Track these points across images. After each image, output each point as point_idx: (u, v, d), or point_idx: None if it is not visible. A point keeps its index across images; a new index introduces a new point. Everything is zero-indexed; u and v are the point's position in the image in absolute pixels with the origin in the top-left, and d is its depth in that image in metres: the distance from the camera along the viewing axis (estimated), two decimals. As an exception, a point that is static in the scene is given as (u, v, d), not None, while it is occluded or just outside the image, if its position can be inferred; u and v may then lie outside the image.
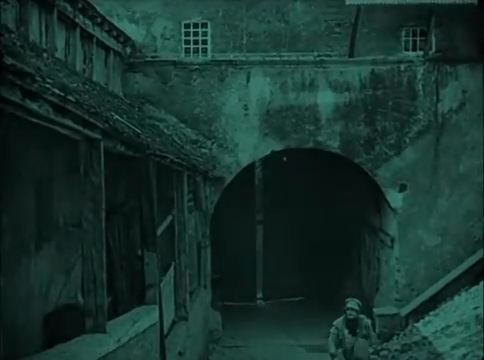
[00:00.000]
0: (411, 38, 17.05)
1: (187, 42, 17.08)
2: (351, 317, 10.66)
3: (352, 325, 10.69)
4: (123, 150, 8.53)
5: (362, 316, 10.88)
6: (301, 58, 16.86)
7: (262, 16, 17.01)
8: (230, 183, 17.11)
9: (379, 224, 18.23)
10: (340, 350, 10.73)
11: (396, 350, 14.15)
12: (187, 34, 17.05)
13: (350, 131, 16.90)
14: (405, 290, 16.77)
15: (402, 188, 16.87)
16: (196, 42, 17.08)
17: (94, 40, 13.72)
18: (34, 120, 5.90)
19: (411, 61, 16.86)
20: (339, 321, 10.86)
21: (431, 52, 16.93)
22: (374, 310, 16.62)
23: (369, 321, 11.06)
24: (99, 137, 7.33)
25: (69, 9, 12.00)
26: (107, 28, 14.41)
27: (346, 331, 10.72)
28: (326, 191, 22.53)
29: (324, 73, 16.85)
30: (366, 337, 10.74)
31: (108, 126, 7.42)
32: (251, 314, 19.16)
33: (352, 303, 10.81)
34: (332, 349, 10.77)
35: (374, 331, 15.93)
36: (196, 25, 17.00)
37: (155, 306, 9.80)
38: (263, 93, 16.91)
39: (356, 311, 10.70)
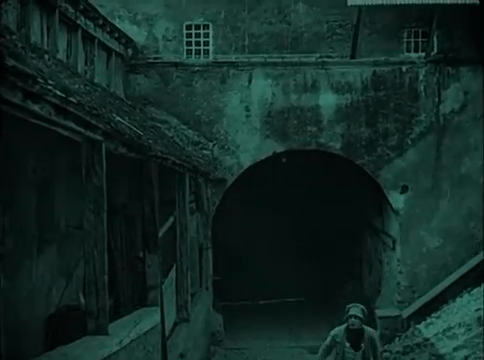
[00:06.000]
0: (413, 39, 17.02)
1: (189, 43, 17.06)
2: (354, 327, 8.71)
3: (355, 337, 8.76)
4: (125, 152, 8.53)
5: (368, 328, 8.96)
6: (303, 59, 16.84)
7: (264, 17, 16.99)
8: (232, 185, 17.09)
9: (381, 225, 18.21)
10: None
11: (398, 352, 14.13)
12: (189, 35, 17.04)
13: (352, 132, 16.88)
14: (407, 292, 16.74)
15: (404, 189, 16.85)
16: (198, 43, 17.06)
17: (96, 41, 13.72)
18: (35, 122, 5.90)
19: (413, 62, 16.85)
20: (338, 331, 8.93)
21: (433, 53, 16.90)
22: (376, 312, 16.61)
23: (375, 332, 9.22)
24: (101, 139, 7.33)
25: (71, 10, 12.01)
26: (109, 29, 14.41)
27: (347, 344, 8.80)
28: (328, 192, 22.52)
29: (326, 74, 16.84)
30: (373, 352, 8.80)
31: (110, 128, 7.43)
32: (253, 316, 19.10)
33: (355, 309, 8.81)
34: None
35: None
36: (198, 26, 16.99)
37: (157, 308, 9.80)
38: (265, 94, 16.89)
39: (360, 320, 8.72)
